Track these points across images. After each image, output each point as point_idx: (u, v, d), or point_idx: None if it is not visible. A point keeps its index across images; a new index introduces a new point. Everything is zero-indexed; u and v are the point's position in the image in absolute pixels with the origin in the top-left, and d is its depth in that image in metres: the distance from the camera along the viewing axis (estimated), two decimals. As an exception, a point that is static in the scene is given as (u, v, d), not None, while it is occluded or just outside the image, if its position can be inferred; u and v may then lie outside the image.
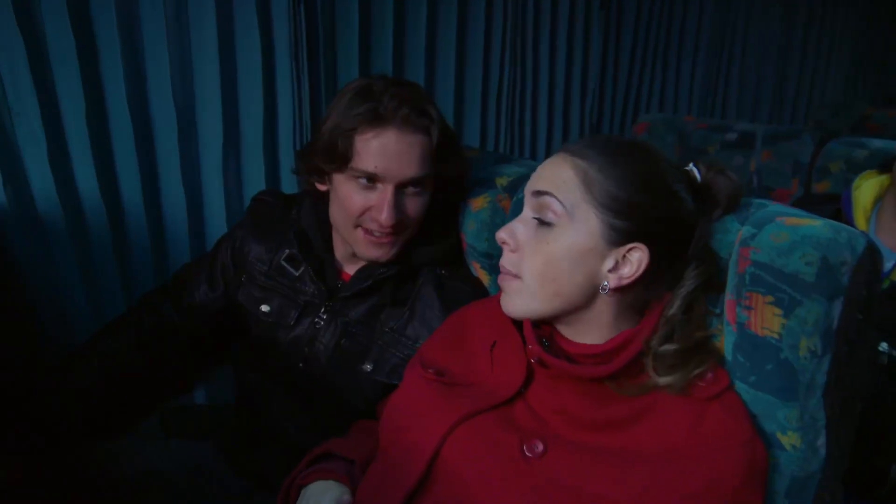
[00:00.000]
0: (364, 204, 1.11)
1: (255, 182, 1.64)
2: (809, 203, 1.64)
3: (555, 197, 0.83)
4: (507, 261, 0.88)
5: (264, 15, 1.55)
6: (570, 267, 0.82)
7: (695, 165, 0.88)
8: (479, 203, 1.24)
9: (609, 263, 0.82)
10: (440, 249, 1.23)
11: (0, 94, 1.28)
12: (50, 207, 1.36)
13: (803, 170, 1.88)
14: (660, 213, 0.82)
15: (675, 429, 0.78)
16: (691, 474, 0.74)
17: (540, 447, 0.81)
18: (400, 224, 1.12)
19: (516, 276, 0.87)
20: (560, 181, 0.84)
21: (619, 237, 0.81)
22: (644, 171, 0.83)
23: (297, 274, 1.24)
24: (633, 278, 0.82)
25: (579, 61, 2.34)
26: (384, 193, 1.09)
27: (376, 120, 1.07)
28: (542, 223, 0.84)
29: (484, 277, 1.25)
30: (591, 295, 0.84)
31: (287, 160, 1.64)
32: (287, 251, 1.25)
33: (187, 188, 1.54)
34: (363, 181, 1.10)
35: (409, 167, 1.09)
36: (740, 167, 2.06)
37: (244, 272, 1.29)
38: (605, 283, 0.83)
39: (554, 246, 0.83)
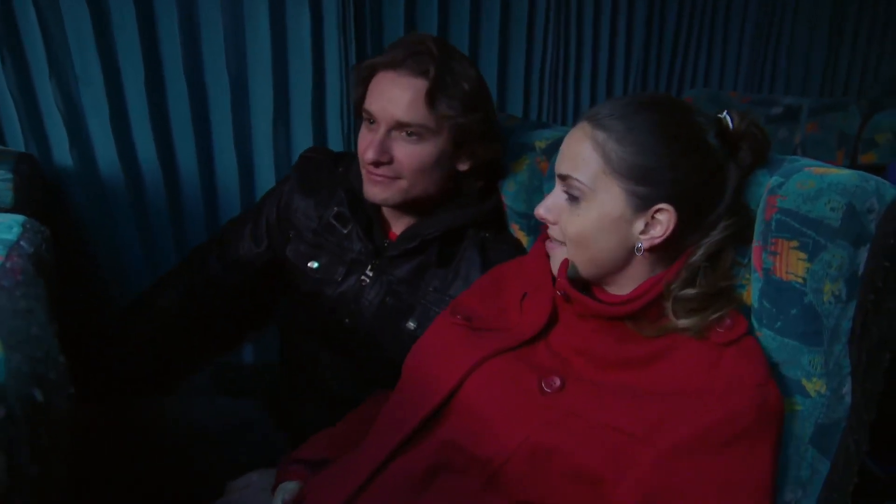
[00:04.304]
0: (364, 145, 1.16)
1: (303, 149, 1.66)
2: (854, 174, 1.63)
3: (575, 179, 0.86)
4: (552, 232, 0.93)
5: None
6: (601, 236, 0.86)
7: (728, 114, 0.89)
8: (518, 165, 1.28)
9: (639, 226, 0.85)
10: (483, 211, 1.26)
11: (68, 62, 1.34)
12: (111, 170, 1.43)
13: (849, 142, 1.86)
14: (683, 173, 0.84)
15: (691, 370, 0.81)
16: (704, 411, 0.76)
17: (557, 382, 0.85)
18: (386, 166, 1.16)
19: (562, 244, 0.91)
20: (580, 160, 0.87)
21: (644, 202, 0.84)
22: (666, 133, 0.84)
23: (345, 232, 1.26)
24: (664, 237, 0.85)
25: (623, 35, 2.32)
26: (375, 133, 1.15)
27: (385, 64, 1.15)
28: (571, 197, 0.88)
29: (522, 238, 1.28)
30: (627, 256, 0.88)
31: (334, 129, 1.68)
32: (336, 209, 1.26)
33: (239, 154, 1.59)
34: (368, 122, 1.18)
35: (396, 108, 1.13)
36: (785, 140, 2.04)
37: (292, 228, 1.31)
38: (639, 244, 0.86)
39: (583, 218, 0.87)
